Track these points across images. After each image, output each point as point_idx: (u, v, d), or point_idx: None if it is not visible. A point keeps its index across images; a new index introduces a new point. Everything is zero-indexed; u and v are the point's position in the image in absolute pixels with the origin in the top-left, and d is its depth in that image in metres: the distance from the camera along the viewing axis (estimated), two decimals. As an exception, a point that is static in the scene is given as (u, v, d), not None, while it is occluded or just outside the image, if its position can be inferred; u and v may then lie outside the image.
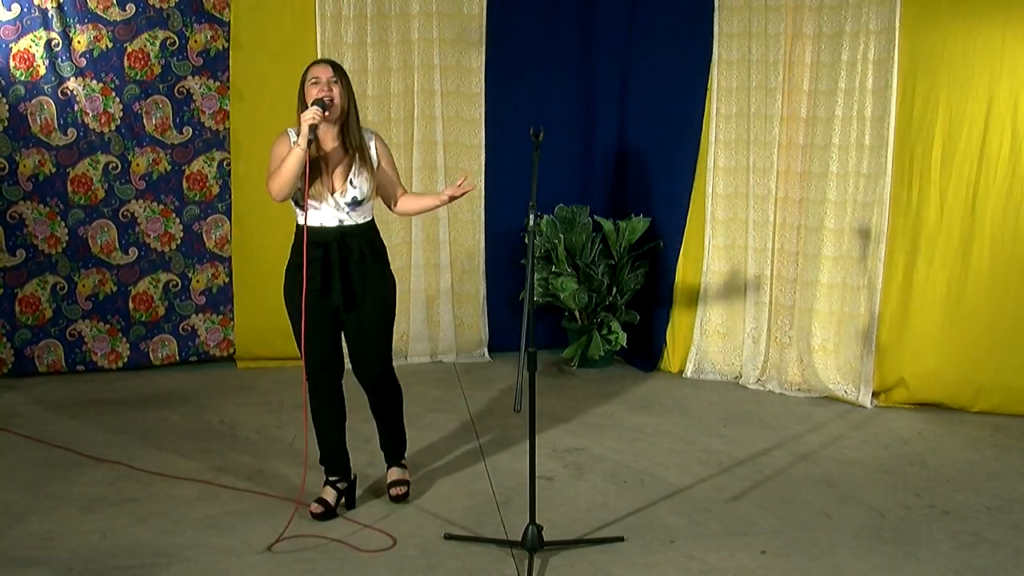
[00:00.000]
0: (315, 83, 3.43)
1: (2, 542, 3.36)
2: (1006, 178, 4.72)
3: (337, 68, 3.49)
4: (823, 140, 5.14)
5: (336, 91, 3.44)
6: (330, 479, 3.69)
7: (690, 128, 5.56)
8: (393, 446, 3.87)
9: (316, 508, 3.61)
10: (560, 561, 3.27)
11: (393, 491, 3.78)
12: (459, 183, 3.51)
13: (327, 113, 3.39)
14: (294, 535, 3.44)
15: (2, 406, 4.95)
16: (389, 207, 3.72)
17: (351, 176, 3.49)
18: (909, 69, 4.83)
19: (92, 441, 4.42)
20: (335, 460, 3.71)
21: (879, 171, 4.95)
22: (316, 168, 3.43)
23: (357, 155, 3.50)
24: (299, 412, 4.91)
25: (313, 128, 3.36)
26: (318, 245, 3.45)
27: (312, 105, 3.35)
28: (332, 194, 3.46)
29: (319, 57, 5.43)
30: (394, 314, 3.68)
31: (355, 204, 3.50)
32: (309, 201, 3.42)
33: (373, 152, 3.58)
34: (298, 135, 3.40)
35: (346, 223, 3.50)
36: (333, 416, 3.68)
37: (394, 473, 3.84)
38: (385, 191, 3.65)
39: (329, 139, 3.51)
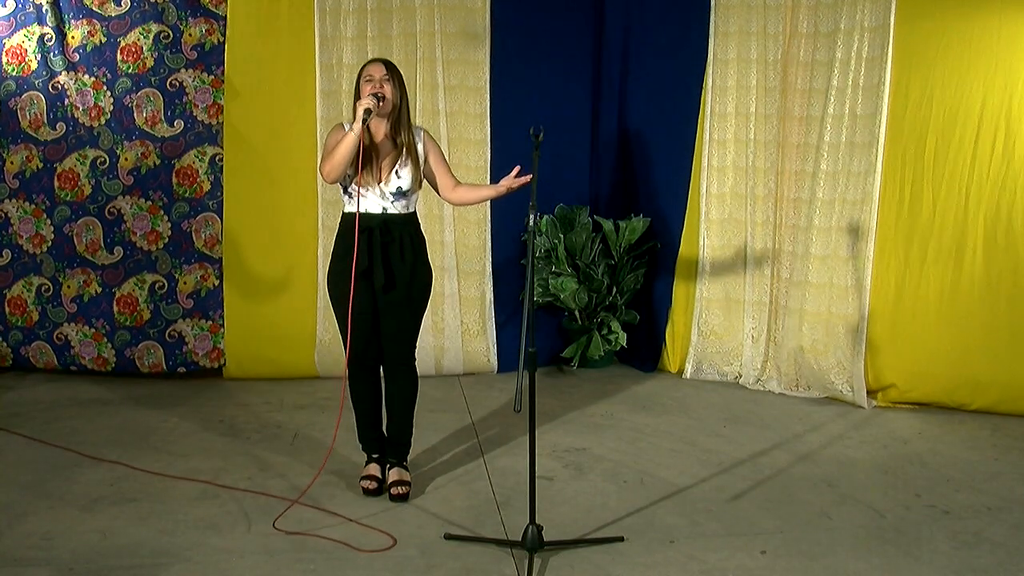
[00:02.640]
0: (369, 80, 3.68)
1: (2, 542, 3.36)
2: (999, 175, 4.72)
3: (390, 67, 3.72)
4: (817, 139, 5.15)
5: (388, 88, 3.66)
6: (373, 456, 3.91)
7: (689, 127, 5.57)
8: (398, 443, 3.91)
9: (369, 484, 3.82)
10: (560, 561, 3.27)
11: (393, 491, 3.80)
12: (514, 174, 3.64)
13: (380, 104, 3.61)
14: (295, 533, 3.45)
15: (2, 406, 4.95)
16: (441, 196, 3.92)
17: (397, 168, 3.70)
18: (902, 66, 4.84)
19: (92, 441, 4.42)
20: (376, 440, 3.91)
21: (868, 169, 4.95)
22: (366, 158, 3.65)
23: (405, 149, 3.72)
24: (299, 412, 4.92)
25: (368, 113, 3.54)
26: (362, 230, 3.65)
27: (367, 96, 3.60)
28: (378, 183, 3.68)
29: (316, 52, 5.41)
30: (425, 306, 3.87)
31: (399, 195, 3.71)
32: (358, 189, 3.63)
33: (420, 148, 3.79)
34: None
35: (389, 211, 3.71)
36: (374, 398, 3.88)
37: (395, 473, 3.87)
38: (434, 183, 3.87)
39: (380, 132, 3.72)
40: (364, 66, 3.73)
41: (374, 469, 3.89)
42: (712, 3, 5.42)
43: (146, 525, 3.52)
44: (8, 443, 4.39)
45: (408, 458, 3.95)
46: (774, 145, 5.36)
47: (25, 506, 3.67)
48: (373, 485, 3.82)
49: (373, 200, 3.69)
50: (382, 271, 3.68)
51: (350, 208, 3.70)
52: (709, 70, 5.46)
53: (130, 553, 3.30)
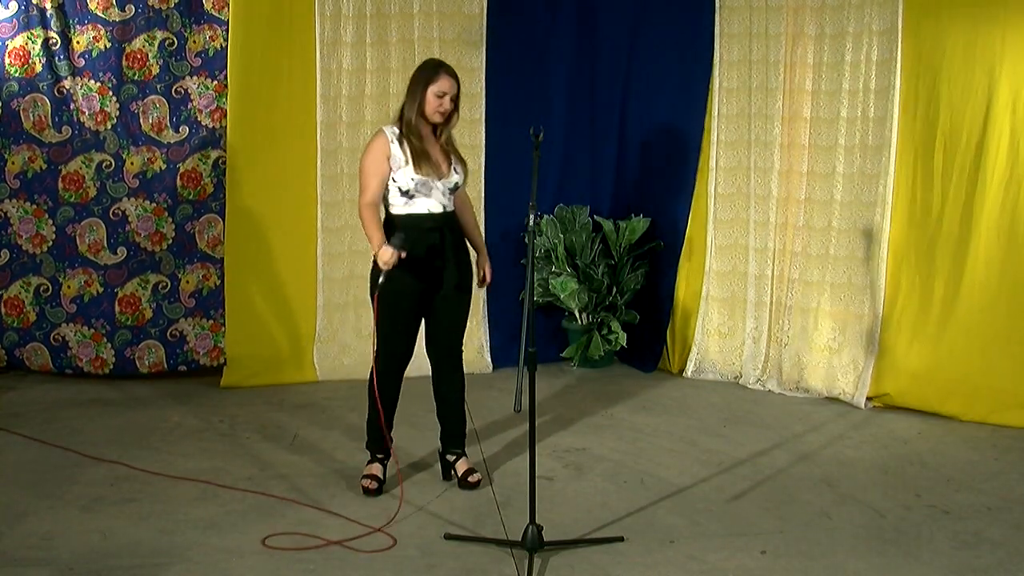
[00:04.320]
0: (440, 97, 3.67)
1: (2, 542, 3.36)
2: (1003, 178, 4.69)
3: (459, 82, 3.75)
4: (827, 141, 5.16)
5: (452, 106, 3.72)
6: (377, 456, 3.93)
7: (691, 128, 5.57)
8: (461, 435, 3.99)
9: (370, 484, 3.84)
10: (560, 561, 3.27)
11: (471, 479, 3.90)
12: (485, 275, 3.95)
13: (402, 256, 3.58)
14: (295, 533, 3.44)
15: (2, 406, 4.94)
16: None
17: (454, 163, 3.77)
18: (911, 70, 4.84)
19: (92, 441, 4.42)
20: (386, 440, 3.90)
21: (880, 171, 4.96)
22: (425, 155, 3.68)
23: (453, 153, 3.81)
24: (299, 411, 4.92)
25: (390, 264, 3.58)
26: (433, 229, 3.70)
27: (392, 244, 3.56)
28: (439, 180, 3.70)
29: (317, 56, 5.39)
30: None
31: (454, 190, 3.79)
32: (418, 188, 3.66)
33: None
34: (397, 132, 3.69)
35: (448, 209, 3.77)
36: (396, 398, 3.92)
37: (464, 463, 3.97)
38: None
39: (428, 134, 3.77)
40: (433, 72, 3.69)
41: (377, 469, 3.90)
42: (716, 4, 5.43)
43: (146, 525, 3.52)
44: (8, 443, 4.39)
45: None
46: (775, 146, 5.36)
47: (25, 506, 3.67)
48: (374, 485, 3.84)
49: (436, 198, 3.71)
50: (455, 269, 3.75)
51: (407, 209, 3.69)
52: (715, 71, 5.46)
53: (130, 553, 3.30)
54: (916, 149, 4.87)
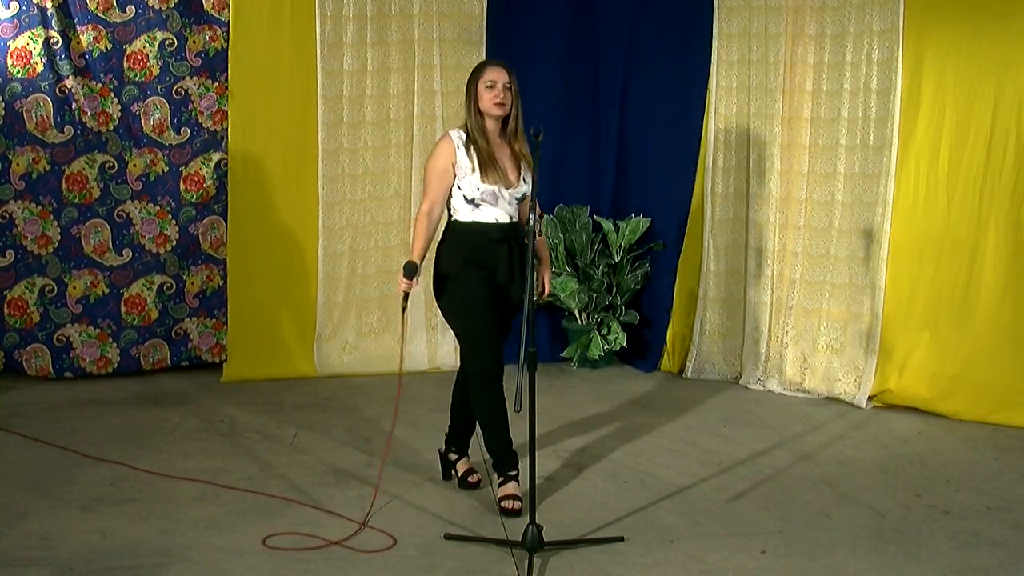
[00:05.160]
0: (491, 87, 3.55)
1: (2, 542, 3.36)
2: (1010, 178, 4.70)
3: (511, 74, 3.59)
4: (828, 141, 5.17)
5: (508, 97, 3.56)
6: (510, 475, 3.73)
7: (690, 128, 5.58)
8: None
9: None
10: (560, 561, 3.27)
11: (471, 478, 3.87)
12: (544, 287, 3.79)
13: (406, 298, 3.56)
14: (295, 533, 3.45)
15: (2, 406, 4.95)
16: None
17: (523, 173, 3.63)
18: (914, 70, 4.84)
19: (92, 441, 4.41)
20: (508, 445, 3.75)
21: (881, 171, 4.96)
22: (492, 162, 3.56)
23: (523, 158, 3.65)
24: (300, 411, 4.92)
25: (405, 297, 3.55)
26: (500, 241, 3.58)
27: (405, 273, 3.52)
28: (507, 189, 3.58)
29: (318, 57, 5.41)
30: None
31: (520, 200, 3.64)
32: (484, 197, 3.55)
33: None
34: (464, 136, 3.58)
35: (513, 219, 3.65)
36: (505, 406, 3.68)
37: (464, 463, 3.96)
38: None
39: (496, 136, 3.65)
40: (483, 68, 3.61)
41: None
42: (715, 4, 5.43)
43: (146, 525, 3.52)
44: (8, 443, 4.39)
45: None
46: (775, 145, 5.36)
47: (25, 506, 3.67)
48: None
49: (503, 208, 3.59)
50: (517, 283, 3.59)
51: (472, 216, 3.58)
52: (713, 71, 5.47)
53: (130, 553, 3.30)
54: (919, 149, 4.87)
